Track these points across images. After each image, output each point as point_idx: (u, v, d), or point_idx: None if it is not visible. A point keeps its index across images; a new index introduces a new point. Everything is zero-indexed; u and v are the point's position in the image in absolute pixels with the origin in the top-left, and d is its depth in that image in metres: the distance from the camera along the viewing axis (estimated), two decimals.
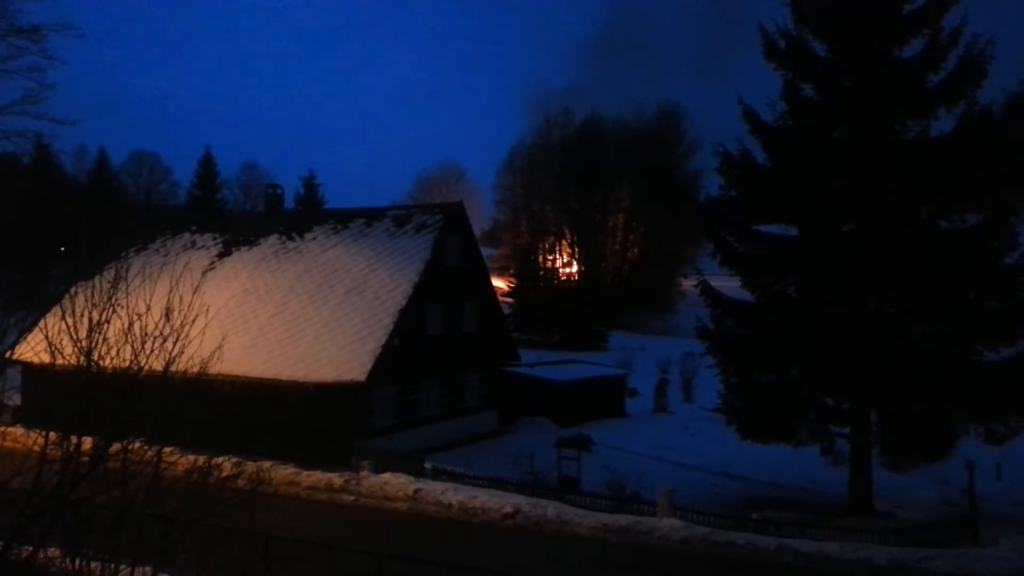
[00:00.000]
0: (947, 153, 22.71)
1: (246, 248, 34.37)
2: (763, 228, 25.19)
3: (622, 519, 20.09)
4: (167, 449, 8.60)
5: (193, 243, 35.89)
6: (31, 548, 7.75)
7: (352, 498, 22.66)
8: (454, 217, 33.44)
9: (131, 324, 8.43)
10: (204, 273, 30.33)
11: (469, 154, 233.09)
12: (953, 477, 25.70)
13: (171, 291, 8.96)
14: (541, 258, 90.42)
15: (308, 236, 33.91)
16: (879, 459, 23.75)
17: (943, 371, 22.13)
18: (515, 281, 79.93)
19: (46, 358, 8.67)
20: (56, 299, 11.81)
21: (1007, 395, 21.75)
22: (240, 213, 71.80)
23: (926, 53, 23.11)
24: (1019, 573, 16.70)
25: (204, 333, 9.14)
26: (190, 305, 8.86)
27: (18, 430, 25.48)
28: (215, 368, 9.96)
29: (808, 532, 19.59)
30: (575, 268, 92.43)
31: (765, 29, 24.10)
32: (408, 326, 28.66)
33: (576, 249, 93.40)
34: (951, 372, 22.12)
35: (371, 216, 34.18)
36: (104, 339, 8.20)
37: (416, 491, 22.18)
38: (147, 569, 8.75)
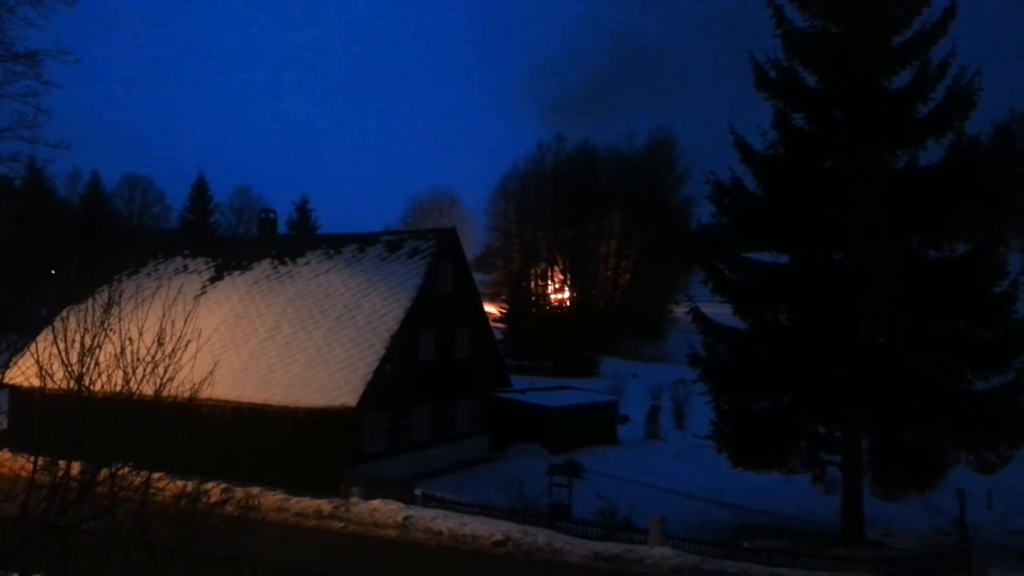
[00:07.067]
0: (936, 183, 22.93)
1: (238, 272, 34.32)
2: (754, 256, 25.28)
3: (613, 547, 19.99)
4: (156, 475, 8.55)
5: (185, 267, 35.82)
6: (17, 575, 7.68)
7: (341, 524, 22.49)
8: (447, 243, 33.47)
9: (123, 349, 8.42)
10: (196, 297, 30.32)
11: (462, 180, 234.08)
12: (944, 506, 25.70)
13: (163, 316, 8.94)
14: (533, 284, 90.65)
15: (300, 261, 33.90)
16: (871, 487, 23.73)
17: (934, 399, 22.19)
18: (507, 307, 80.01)
19: (36, 382, 8.61)
20: (45, 323, 11.76)
21: (998, 423, 21.83)
22: (233, 237, 71.69)
23: (915, 84, 23.40)
24: None
25: (195, 358, 9.11)
26: (182, 331, 8.84)
27: (5, 454, 25.30)
28: (205, 393, 9.94)
29: (800, 561, 19.52)
30: (567, 294, 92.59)
31: (756, 59, 24.37)
32: (400, 352, 28.60)
33: (568, 275, 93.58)
34: (942, 400, 22.19)
35: (364, 241, 34.22)
36: (96, 364, 8.18)
37: (406, 518, 22.04)
38: None
